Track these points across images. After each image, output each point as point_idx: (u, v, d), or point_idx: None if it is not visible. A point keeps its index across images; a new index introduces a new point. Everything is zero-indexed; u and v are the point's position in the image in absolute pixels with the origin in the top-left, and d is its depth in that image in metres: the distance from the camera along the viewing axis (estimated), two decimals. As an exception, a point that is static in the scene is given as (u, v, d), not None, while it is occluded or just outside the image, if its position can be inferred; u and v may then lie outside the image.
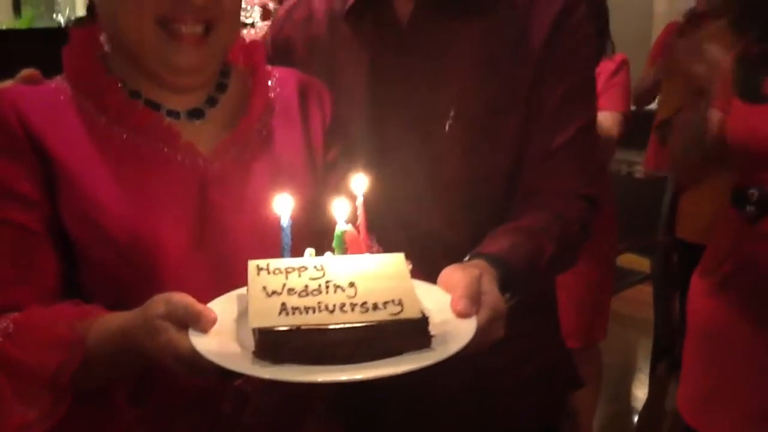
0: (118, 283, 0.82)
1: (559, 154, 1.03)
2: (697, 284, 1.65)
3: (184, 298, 0.70)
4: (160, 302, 0.71)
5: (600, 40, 2.13)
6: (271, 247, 0.77)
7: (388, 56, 1.06)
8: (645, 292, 3.09)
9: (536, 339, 1.14)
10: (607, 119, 2.10)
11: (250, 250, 0.80)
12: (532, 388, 1.14)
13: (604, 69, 2.14)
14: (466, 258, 0.87)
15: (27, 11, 8.42)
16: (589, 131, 1.08)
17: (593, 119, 1.12)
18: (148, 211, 0.83)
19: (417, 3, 1.04)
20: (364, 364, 0.63)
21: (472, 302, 0.73)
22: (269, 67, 0.98)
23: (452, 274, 0.77)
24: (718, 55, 1.52)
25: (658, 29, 5.53)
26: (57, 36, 3.29)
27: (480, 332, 0.71)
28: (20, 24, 7.24)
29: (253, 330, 0.65)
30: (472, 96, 1.02)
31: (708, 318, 1.61)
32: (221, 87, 0.92)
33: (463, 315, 0.71)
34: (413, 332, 0.66)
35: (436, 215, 1.05)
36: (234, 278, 0.78)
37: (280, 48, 1.12)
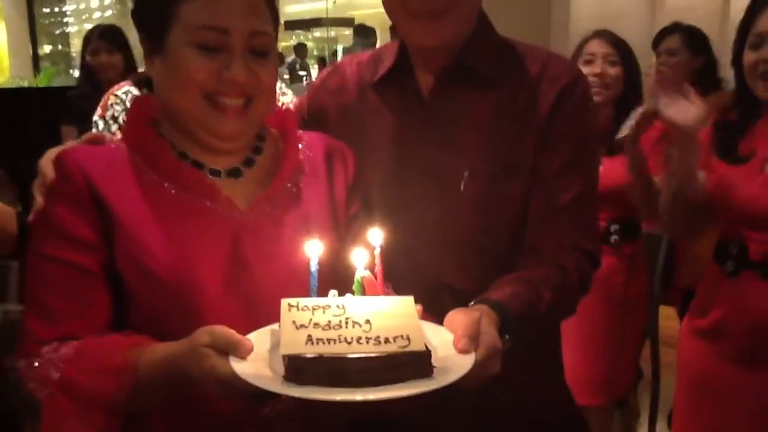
0: (161, 318, 0.93)
1: (560, 214, 1.14)
2: (687, 333, 1.75)
3: (225, 330, 0.82)
4: (204, 333, 0.82)
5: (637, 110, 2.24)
6: (296, 291, 0.89)
7: (411, 122, 1.19)
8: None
9: (536, 381, 1.21)
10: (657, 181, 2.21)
11: (278, 293, 0.91)
12: (533, 429, 1.22)
13: (649, 136, 2.21)
14: (471, 303, 0.97)
15: (46, 69, 8.71)
16: (589, 195, 1.18)
17: (593, 185, 1.22)
18: (190, 256, 0.94)
19: (437, 77, 1.18)
20: (375, 388, 0.75)
21: (472, 341, 0.84)
22: (300, 132, 1.10)
23: (455, 316, 0.88)
24: (698, 111, 1.65)
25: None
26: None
27: (477, 367, 0.81)
28: (39, 82, 7.50)
29: (283, 357, 0.77)
30: (484, 159, 1.15)
31: (698, 365, 1.71)
32: (257, 149, 1.05)
33: (463, 351, 0.82)
34: (418, 363, 0.78)
35: (448, 266, 1.14)
36: (263, 318, 0.89)
37: (315, 113, 1.25)
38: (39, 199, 0.99)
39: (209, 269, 0.95)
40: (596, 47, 2.31)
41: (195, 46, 0.94)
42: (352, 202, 1.12)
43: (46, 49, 12.39)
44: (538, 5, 4.30)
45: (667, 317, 3.20)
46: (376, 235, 0.91)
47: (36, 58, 11.84)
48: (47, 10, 12.37)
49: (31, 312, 0.95)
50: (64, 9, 12.95)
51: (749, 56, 1.64)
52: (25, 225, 1.35)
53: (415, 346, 0.78)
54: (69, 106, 3.16)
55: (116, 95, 1.65)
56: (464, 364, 0.81)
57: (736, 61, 1.68)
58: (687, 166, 1.64)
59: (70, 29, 13.03)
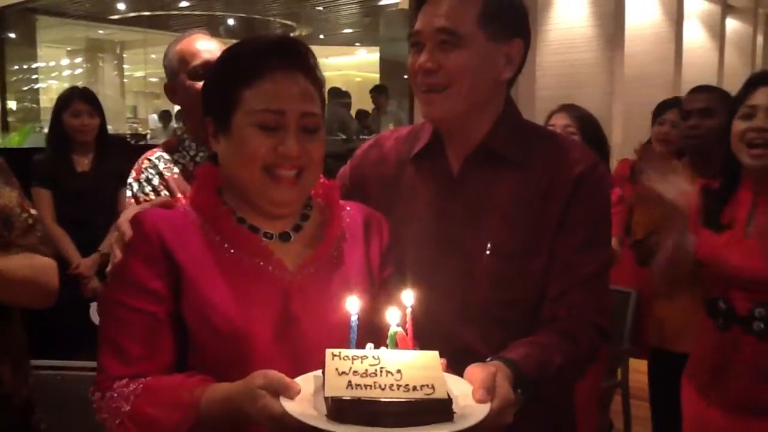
0: (217, 363, 1.03)
1: (575, 291, 1.19)
2: (686, 385, 1.87)
3: (277, 374, 0.92)
4: (259, 376, 0.92)
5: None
6: (336, 343, 0.98)
7: (441, 198, 1.27)
8: (639, 407, 3.29)
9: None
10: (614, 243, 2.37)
11: (320, 345, 1.01)
12: None
13: None
14: (488, 359, 1.07)
15: (20, 129, 8.62)
16: (604, 273, 1.24)
17: (606, 264, 1.26)
18: (245, 310, 1.05)
19: (467, 157, 1.27)
20: (404, 429, 0.86)
21: (488, 392, 0.92)
22: (342, 202, 1.22)
23: (474, 370, 0.97)
24: (686, 186, 1.79)
25: (616, 159, 6.08)
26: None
27: (492, 415, 0.92)
28: (12, 141, 7.46)
29: (326, 398, 0.87)
30: (506, 235, 1.21)
31: (697, 415, 1.83)
32: (304, 217, 1.17)
33: (480, 401, 0.93)
34: (441, 409, 0.88)
35: (471, 334, 1.22)
36: (306, 366, 0.99)
37: (356, 182, 1.36)
38: (118, 253, 1.10)
39: (262, 322, 1.05)
40: (557, 119, 2.53)
41: (257, 126, 1.05)
42: (385, 266, 1.20)
43: (12, 105, 12.34)
44: (507, 75, 4.57)
45: (637, 370, 3.33)
46: (407, 297, 1.00)
47: (4, 115, 11.81)
48: (16, 67, 12.37)
49: (106, 351, 1.04)
50: (33, 65, 12.97)
51: (739, 125, 1.77)
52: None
53: (439, 394, 0.88)
54: (38, 169, 3.12)
55: (150, 160, 1.74)
56: (481, 412, 0.90)
57: (727, 130, 1.83)
58: (678, 236, 1.77)
59: (40, 85, 13.02)
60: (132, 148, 5.10)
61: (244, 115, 1.06)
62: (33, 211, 1.47)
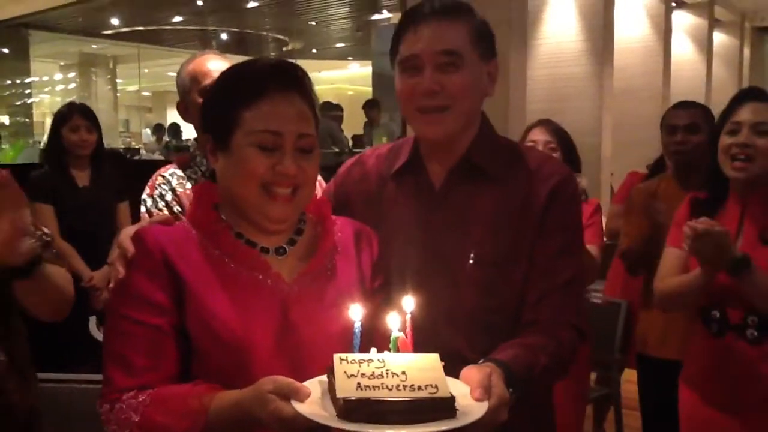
0: (221, 372, 1.07)
1: (554, 295, 1.26)
2: (683, 389, 1.93)
3: (286, 379, 0.96)
4: (268, 382, 0.95)
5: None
6: (334, 350, 1.03)
7: (424, 211, 1.32)
8: (631, 416, 3.33)
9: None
10: (589, 250, 2.41)
11: (318, 353, 1.08)
12: None
13: (585, 211, 2.46)
14: (480, 361, 1.11)
15: (14, 143, 8.59)
16: (578, 277, 1.30)
17: (581, 268, 1.33)
18: (245, 319, 1.09)
19: (450, 171, 1.32)
20: (412, 426, 0.91)
21: (485, 391, 0.97)
22: (333, 217, 1.26)
23: (470, 371, 1.02)
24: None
25: (606, 171, 6.17)
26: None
27: (490, 413, 0.97)
28: (5, 156, 7.45)
29: (338, 398, 0.92)
30: (488, 244, 1.27)
31: (691, 410, 1.90)
32: (298, 231, 1.21)
33: (478, 400, 0.98)
34: (444, 407, 0.94)
35: (457, 338, 1.27)
36: (305, 372, 1.02)
37: (340, 199, 1.40)
38: (120, 269, 1.11)
39: (263, 331, 1.09)
40: (538, 135, 2.56)
41: (256, 146, 1.10)
42: (376, 276, 1.25)
43: (5, 120, 12.34)
44: (499, 89, 4.63)
45: (627, 380, 3.38)
46: (408, 303, 1.04)
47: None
48: (9, 82, 12.40)
49: (111, 364, 1.07)
50: (26, 80, 13.00)
51: (725, 140, 1.83)
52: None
53: (442, 393, 0.93)
54: (38, 184, 3.14)
55: (163, 176, 1.78)
56: (480, 409, 0.95)
57: (712, 145, 1.91)
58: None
59: (33, 100, 13.02)
60: (127, 163, 5.14)
61: (243, 135, 1.11)
62: (45, 229, 1.51)
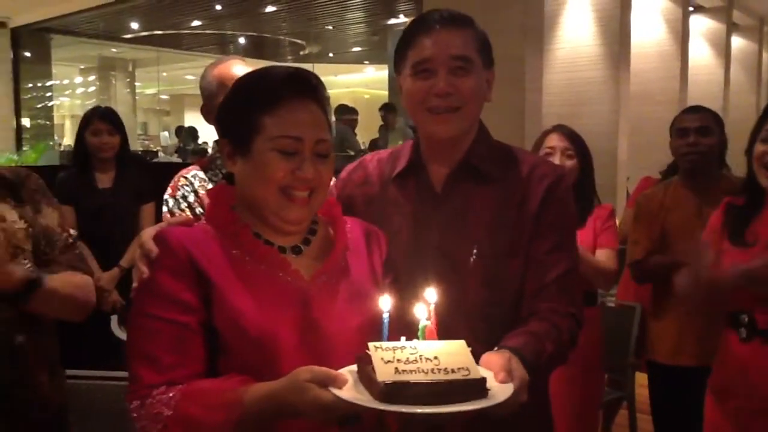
0: (248, 367, 1.10)
1: (551, 287, 1.35)
2: (709, 392, 1.92)
3: (322, 368, 1.00)
4: (305, 371, 1.00)
5: (590, 197, 2.55)
6: (353, 343, 1.09)
7: (426, 211, 1.40)
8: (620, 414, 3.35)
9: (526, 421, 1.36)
10: (606, 254, 2.46)
11: (338, 347, 1.12)
12: None
13: (599, 215, 2.52)
14: (495, 348, 1.18)
15: (36, 146, 8.68)
16: (574, 271, 1.39)
17: (575, 262, 1.41)
18: (270, 316, 1.13)
19: (448, 174, 1.40)
20: (447, 405, 0.97)
21: (508, 374, 1.05)
22: (344, 218, 1.31)
23: (490, 356, 1.09)
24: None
25: (622, 175, 6.17)
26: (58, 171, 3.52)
27: (515, 394, 1.03)
28: (26, 158, 7.55)
29: (379, 382, 0.96)
30: (488, 243, 1.36)
31: (718, 419, 1.88)
32: (312, 232, 1.26)
33: (503, 382, 1.04)
34: (477, 387, 0.99)
35: (461, 329, 1.28)
36: (328, 366, 1.05)
37: (342, 201, 1.44)
38: (144, 269, 1.14)
39: (288, 327, 1.13)
40: (555, 141, 2.56)
41: (277, 151, 1.14)
42: (387, 273, 1.31)
43: (26, 122, 12.51)
44: (515, 94, 4.66)
45: (642, 385, 3.38)
46: (431, 294, 1.10)
47: (19, 132, 11.98)
48: (30, 85, 12.57)
49: (138, 362, 1.10)
50: (47, 83, 13.18)
51: (759, 147, 1.83)
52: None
53: (474, 374, 0.99)
54: (61, 186, 3.22)
55: (185, 177, 1.82)
56: (507, 390, 1.02)
57: (749, 151, 1.89)
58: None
59: (53, 103, 13.19)
60: (150, 166, 5.20)
61: (264, 141, 1.15)
62: (72, 231, 1.56)
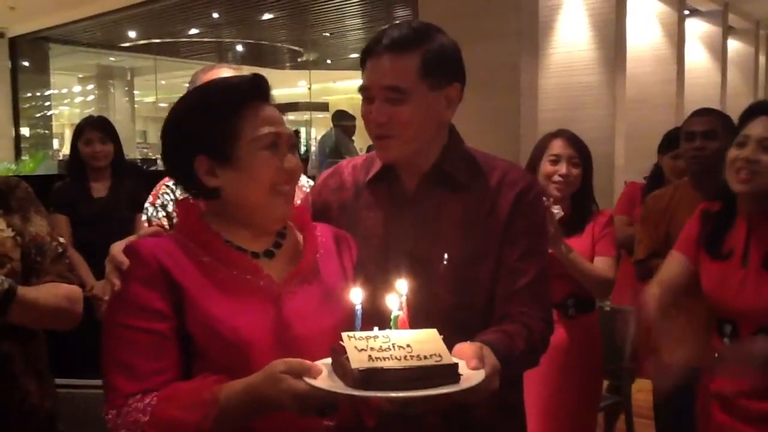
0: (222, 371, 1.11)
1: (522, 293, 1.38)
2: (702, 394, 1.92)
3: (297, 359, 1.02)
4: (279, 363, 1.02)
5: (589, 202, 2.55)
6: (326, 343, 1.10)
7: (398, 216, 1.42)
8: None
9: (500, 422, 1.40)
10: (604, 262, 2.45)
11: (311, 347, 1.13)
12: None
13: (598, 221, 2.51)
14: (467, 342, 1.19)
15: (34, 155, 8.70)
16: (542, 276, 1.42)
17: (545, 267, 1.44)
18: (243, 319, 1.15)
19: (420, 180, 1.42)
20: (424, 390, 0.99)
21: (480, 360, 1.07)
22: (314, 223, 1.34)
23: (462, 346, 1.11)
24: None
25: (619, 179, 6.16)
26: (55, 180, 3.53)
27: (486, 380, 1.05)
28: (24, 167, 7.56)
29: (353, 369, 0.98)
30: (458, 248, 1.38)
31: (708, 419, 1.89)
32: (281, 236, 1.28)
33: (475, 368, 1.06)
34: (449, 373, 1.02)
35: None
36: None
37: (318, 207, 1.48)
38: (116, 281, 1.17)
39: (261, 330, 1.15)
40: (561, 149, 2.53)
41: (264, 149, 1.17)
42: (357, 276, 1.34)
43: (25, 131, 12.53)
44: (510, 99, 4.66)
45: (640, 390, 3.37)
46: (402, 286, 1.13)
47: (18, 141, 12.00)
48: (29, 94, 12.60)
49: (114, 372, 1.11)
50: (46, 93, 13.21)
51: (732, 152, 1.82)
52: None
53: (446, 360, 1.02)
54: (57, 195, 3.24)
55: (167, 185, 1.82)
56: (478, 376, 1.05)
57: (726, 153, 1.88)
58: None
59: (52, 112, 13.21)
60: (147, 174, 5.21)
61: (248, 144, 1.17)
62: (61, 239, 1.56)
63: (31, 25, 11.43)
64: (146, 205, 1.80)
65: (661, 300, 1.93)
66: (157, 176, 1.89)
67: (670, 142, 3.30)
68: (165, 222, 1.74)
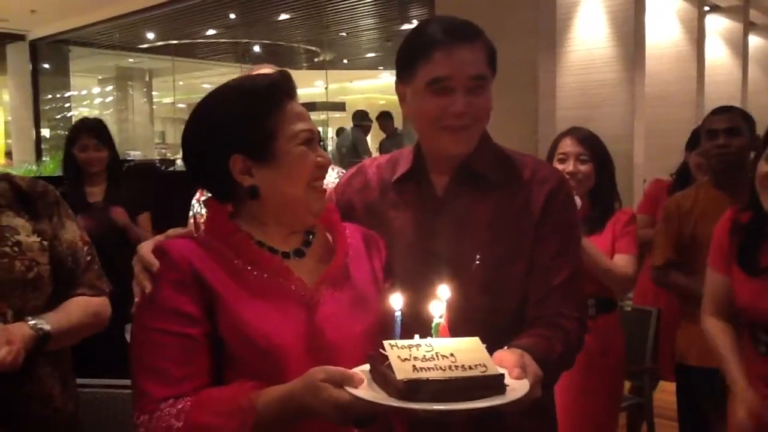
0: (255, 377, 1.09)
1: (555, 293, 1.34)
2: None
3: (337, 368, 1.00)
4: (319, 371, 1.00)
5: (612, 198, 2.52)
6: (357, 349, 1.09)
7: (427, 216, 1.39)
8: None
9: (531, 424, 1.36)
10: (624, 260, 2.41)
11: (343, 352, 1.12)
12: None
13: (619, 219, 2.48)
14: (505, 347, 1.16)
15: (54, 156, 8.78)
16: (577, 275, 1.39)
17: (579, 266, 1.41)
18: (277, 324, 1.13)
19: (451, 179, 1.39)
20: (467, 402, 0.95)
21: (522, 370, 1.04)
22: (343, 224, 1.31)
23: (503, 354, 1.08)
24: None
25: (638, 177, 6.10)
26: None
27: (530, 390, 1.02)
28: (45, 169, 7.64)
29: (399, 380, 0.95)
30: (490, 248, 1.35)
31: None
32: (311, 234, 1.27)
33: (517, 378, 1.03)
34: (495, 383, 0.99)
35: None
36: None
37: (342, 207, 1.44)
38: (146, 285, 1.13)
39: (293, 335, 1.13)
40: (568, 147, 2.50)
41: (301, 145, 1.17)
42: (387, 278, 1.32)
43: (46, 133, 12.68)
44: (528, 97, 4.63)
45: (663, 390, 3.34)
46: (444, 291, 1.11)
47: (39, 143, 12.14)
48: (49, 96, 12.75)
49: (145, 377, 1.10)
50: (66, 94, 13.35)
51: (763, 167, 1.71)
52: None
53: (492, 371, 0.99)
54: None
55: None
56: (523, 386, 1.01)
57: (749, 150, 1.84)
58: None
59: (72, 113, 13.35)
60: (158, 175, 5.21)
61: (287, 140, 1.17)
62: (87, 239, 1.57)
63: (52, 27, 11.56)
64: (193, 201, 1.84)
65: (724, 329, 1.87)
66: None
67: (697, 139, 3.26)
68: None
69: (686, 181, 3.20)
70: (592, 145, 2.49)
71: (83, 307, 1.48)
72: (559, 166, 2.46)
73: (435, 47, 1.31)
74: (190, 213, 1.82)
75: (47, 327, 1.38)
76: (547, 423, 1.49)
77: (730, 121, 2.51)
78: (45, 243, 1.46)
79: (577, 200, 2.36)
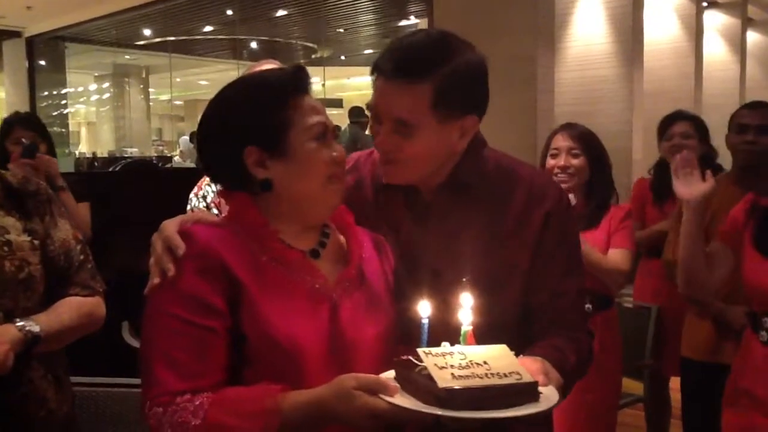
0: (274, 376, 1.04)
1: (567, 314, 1.32)
2: (729, 393, 1.88)
3: (369, 375, 0.99)
4: (350, 378, 0.98)
5: (608, 194, 2.51)
6: (372, 352, 1.09)
7: (415, 222, 1.33)
8: (636, 416, 3.28)
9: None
10: (618, 254, 2.40)
11: (361, 356, 1.10)
12: None
13: (615, 215, 2.46)
14: (520, 356, 1.12)
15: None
16: (583, 290, 1.37)
17: (584, 279, 1.38)
18: (301, 324, 1.10)
19: (437, 190, 1.31)
20: (508, 410, 0.96)
21: (546, 377, 1.04)
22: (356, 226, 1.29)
23: (525, 361, 1.06)
24: (706, 192, 1.85)
25: (637, 174, 6.10)
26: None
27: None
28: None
29: (441, 389, 0.94)
30: (480, 262, 1.27)
31: (739, 420, 1.82)
32: (325, 234, 1.23)
33: (542, 385, 1.03)
34: (530, 390, 0.99)
35: None
36: (353, 372, 1.03)
37: None
38: (170, 266, 1.07)
39: (317, 335, 1.10)
40: (560, 142, 2.49)
41: (313, 140, 1.14)
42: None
43: (42, 129, 12.64)
44: (527, 93, 4.62)
45: (670, 387, 3.31)
46: (466, 299, 1.09)
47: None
48: (46, 93, 12.72)
49: (159, 364, 1.04)
50: (62, 91, 13.32)
51: None
52: None
53: (526, 378, 0.99)
54: None
55: None
56: (552, 392, 1.02)
57: None
58: (693, 234, 1.85)
59: (68, 110, 13.33)
60: (154, 172, 5.17)
61: (299, 133, 1.13)
62: (81, 237, 1.55)
63: (48, 24, 11.53)
64: (191, 196, 1.84)
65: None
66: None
67: (665, 127, 3.31)
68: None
69: (664, 173, 3.18)
70: (584, 140, 2.48)
71: (76, 307, 1.45)
72: (551, 162, 2.46)
73: (374, 71, 1.25)
74: (188, 207, 1.82)
75: (36, 329, 1.35)
76: (548, 427, 1.47)
77: (762, 118, 2.47)
78: (36, 242, 1.43)
79: (572, 198, 2.35)
